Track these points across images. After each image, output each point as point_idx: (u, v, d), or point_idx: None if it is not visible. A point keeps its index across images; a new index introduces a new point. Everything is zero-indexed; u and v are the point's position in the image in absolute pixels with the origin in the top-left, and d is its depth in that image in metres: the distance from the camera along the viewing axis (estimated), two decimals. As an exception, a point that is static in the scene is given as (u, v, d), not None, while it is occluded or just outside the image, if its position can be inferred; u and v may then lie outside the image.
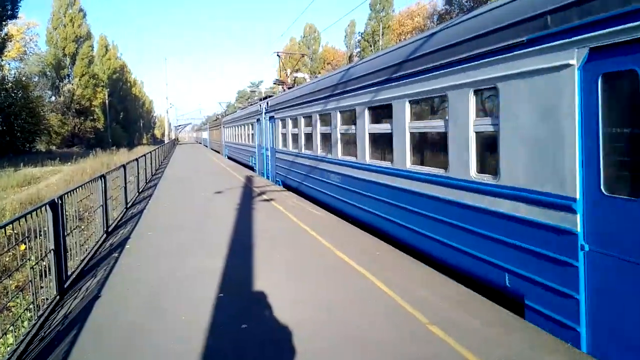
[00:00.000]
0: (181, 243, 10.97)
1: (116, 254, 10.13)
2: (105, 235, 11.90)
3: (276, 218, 13.70)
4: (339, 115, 13.29)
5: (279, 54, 32.44)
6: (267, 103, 22.54)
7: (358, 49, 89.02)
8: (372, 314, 6.68)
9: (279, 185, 20.31)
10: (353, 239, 10.97)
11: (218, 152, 59.83)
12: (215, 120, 78.68)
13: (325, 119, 14.49)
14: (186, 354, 5.64)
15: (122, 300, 7.43)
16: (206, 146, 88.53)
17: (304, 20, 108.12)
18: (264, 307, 6.97)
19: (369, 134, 11.44)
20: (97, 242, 11.12)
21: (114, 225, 13.26)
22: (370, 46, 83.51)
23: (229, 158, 46.20)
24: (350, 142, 12.69)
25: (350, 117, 12.54)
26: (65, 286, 8.02)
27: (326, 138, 14.52)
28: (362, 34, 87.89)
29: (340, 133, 13.30)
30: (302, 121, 16.64)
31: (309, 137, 16.19)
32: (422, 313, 6.61)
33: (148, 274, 8.74)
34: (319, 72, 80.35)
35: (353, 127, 12.28)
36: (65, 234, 8.27)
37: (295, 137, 17.49)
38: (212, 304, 7.14)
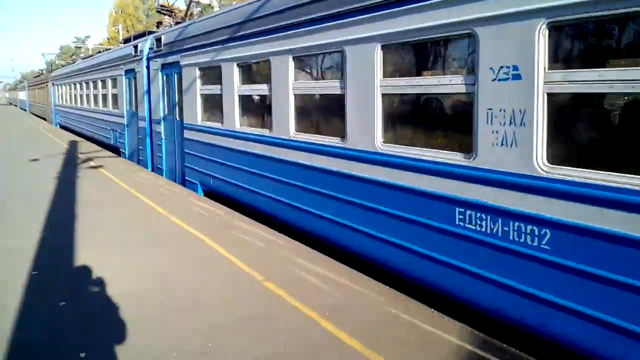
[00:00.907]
0: None
1: None
2: None
3: (105, 186, 12.13)
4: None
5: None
6: (160, 40, 12.59)
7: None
8: (210, 277, 6.27)
9: (198, 192, 10.92)
10: (191, 207, 9.89)
11: (43, 119, 43.62)
12: (38, 76, 60.23)
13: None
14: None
15: None
16: (24, 109, 70.13)
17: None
18: (87, 281, 6.17)
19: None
20: None
21: None
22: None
23: (63, 128, 31.95)
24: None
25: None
26: None
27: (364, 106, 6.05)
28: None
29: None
30: (292, 67, 7.35)
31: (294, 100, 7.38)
32: (258, 271, 6.35)
33: None
34: (155, 26, 70.05)
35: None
36: None
37: (254, 102, 8.90)
38: (23, 283, 6.13)
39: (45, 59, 63.20)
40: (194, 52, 10.39)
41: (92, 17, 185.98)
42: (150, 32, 15.15)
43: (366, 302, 5.30)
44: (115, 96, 17.50)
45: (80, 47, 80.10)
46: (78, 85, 25.28)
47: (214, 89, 9.85)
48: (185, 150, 11.23)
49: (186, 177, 11.39)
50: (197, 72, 10.37)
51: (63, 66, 37.16)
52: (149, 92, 13.58)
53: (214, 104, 10.16)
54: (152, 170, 13.81)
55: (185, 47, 10.83)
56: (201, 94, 10.42)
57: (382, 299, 5.38)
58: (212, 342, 4.52)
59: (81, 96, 24.60)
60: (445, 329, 4.60)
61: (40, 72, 63.99)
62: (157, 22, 17.30)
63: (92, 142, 21.57)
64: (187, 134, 11.04)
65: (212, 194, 10.41)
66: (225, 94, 9.17)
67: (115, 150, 17.72)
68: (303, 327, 4.77)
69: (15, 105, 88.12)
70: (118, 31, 71.06)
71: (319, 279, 6.02)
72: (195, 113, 10.54)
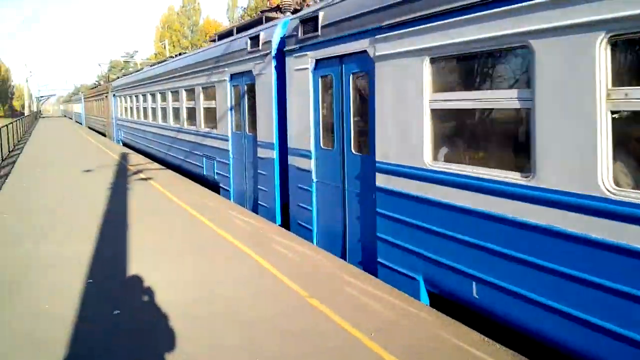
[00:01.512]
0: (44, 226, 9.39)
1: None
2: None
3: (154, 197, 11.83)
4: None
5: None
6: (314, 21, 7.45)
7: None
8: (255, 291, 5.98)
9: (420, 297, 5.64)
10: (235, 219, 9.39)
11: (102, 134, 37.56)
12: (95, 87, 52.61)
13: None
14: (49, 345, 4.74)
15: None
16: (79, 123, 63.22)
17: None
18: (139, 290, 6.10)
19: None
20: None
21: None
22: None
23: (127, 146, 26.43)
24: None
25: None
26: None
27: None
28: (245, 8, 77.45)
29: None
30: None
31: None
32: (303, 287, 5.99)
33: (5, 260, 7.47)
34: (200, 45, 66.45)
35: None
36: None
37: None
38: (79, 290, 6.16)
39: (101, 69, 61.83)
40: (420, 26, 5.21)
41: (140, 33, 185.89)
42: (268, 19, 10.14)
43: (413, 325, 4.92)
44: (211, 111, 12.40)
45: (129, 61, 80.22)
46: (150, 97, 20.12)
47: (487, 98, 4.74)
48: (380, 211, 6.02)
49: (381, 260, 6.13)
50: (427, 67, 5.18)
51: (126, 75, 31.13)
52: (280, 106, 8.59)
53: (479, 130, 5.16)
54: (286, 226, 8.76)
55: (393, 21, 5.60)
56: (435, 110, 5.24)
57: (430, 321, 4.95)
58: (259, 356, 4.45)
59: (154, 110, 19.37)
60: (495, 356, 4.30)
61: (96, 83, 60.50)
62: (266, 10, 12.09)
63: (171, 169, 16.83)
64: (388, 183, 5.85)
65: (439, 296, 5.44)
66: (552, 108, 4.05)
67: (210, 185, 12.76)
68: (348, 346, 4.55)
69: (70, 118, 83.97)
70: (165, 46, 70.33)
71: (366, 298, 5.59)
72: (415, 145, 5.36)
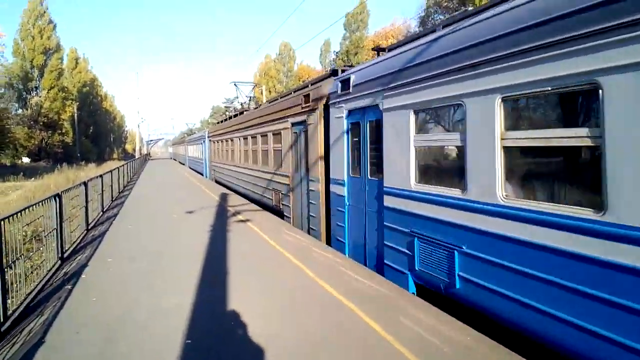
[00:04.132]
0: (145, 273, 8.79)
1: (69, 286, 8.01)
2: (59, 262, 9.63)
3: (252, 242, 11.39)
4: None
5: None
6: None
7: (333, 67, 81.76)
8: (357, 346, 5.47)
9: None
10: (336, 268, 8.81)
11: (272, 211, 16.65)
12: (222, 122, 34.11)
13: None
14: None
15: (69, 347, 5.64)
16: (200, 173, 42.58)
17: (280, 38, 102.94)
18: (238, 345, 5.55)
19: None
20: (50, 270, 8.88)
21: (71, 249, 10.93)
22: (345, 65, 75.64)
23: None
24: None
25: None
26: (3, 329, 6.20)
27: None
28: (337, 52, 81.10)
29: None
30: None
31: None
32: (405, 346, 5.39)
33: (104, 311, 6.76)
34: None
35: None
36: (7, 264, 6.61)
37: None
38: (179, 348, 5.50)
39: (237, 92, 36.31)
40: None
41: (242, 78, 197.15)
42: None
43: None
44: None
45: (229, 107, 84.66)
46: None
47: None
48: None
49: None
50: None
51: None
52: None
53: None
54: None
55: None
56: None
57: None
58: None
59: None
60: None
61: (225, 115, 35.11)
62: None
63: None
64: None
65: None
66: None
67: None
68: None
69: (182, 163, 69.35)
70: (262, 92, 74.31)
71: None
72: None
